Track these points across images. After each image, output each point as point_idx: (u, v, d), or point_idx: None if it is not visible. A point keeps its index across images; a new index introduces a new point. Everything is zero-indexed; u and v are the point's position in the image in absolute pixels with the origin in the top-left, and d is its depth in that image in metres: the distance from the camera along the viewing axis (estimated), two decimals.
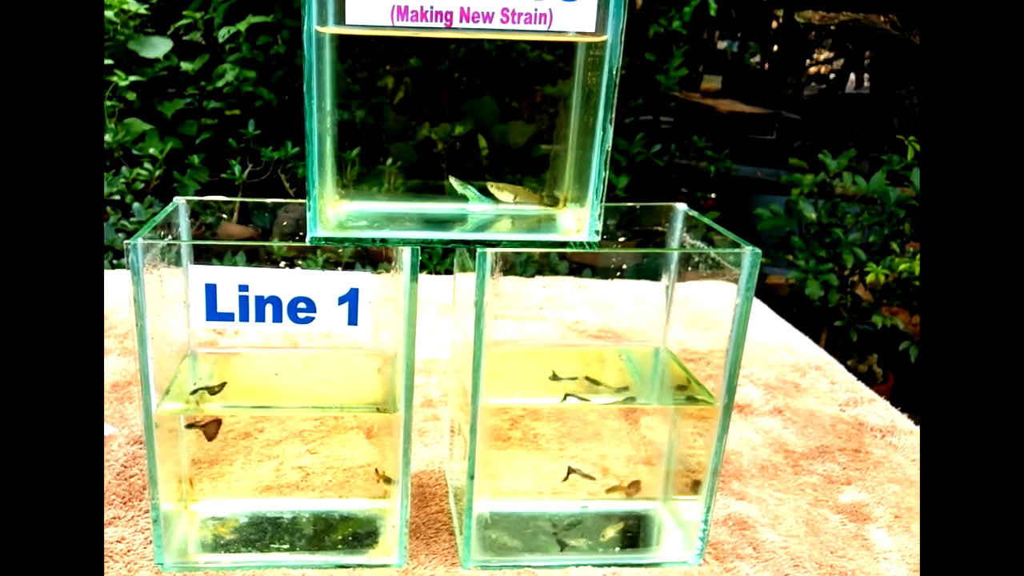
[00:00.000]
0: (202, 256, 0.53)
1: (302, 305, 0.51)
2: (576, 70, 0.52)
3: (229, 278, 0.51)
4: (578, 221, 0.53)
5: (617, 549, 0.61)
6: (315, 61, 0.48)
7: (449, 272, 1.51)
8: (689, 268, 0.60)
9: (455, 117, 0.53)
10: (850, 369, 0.98)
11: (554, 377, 0.62)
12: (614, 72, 0.48)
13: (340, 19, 0.47)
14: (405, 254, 0.51)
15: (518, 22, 0.47)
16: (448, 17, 0.46)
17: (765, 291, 1.96)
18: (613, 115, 0.49)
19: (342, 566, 0.58)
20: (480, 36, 0.48)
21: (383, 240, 0.53)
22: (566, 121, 0.54)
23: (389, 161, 0.54)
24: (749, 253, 0.53)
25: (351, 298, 0.51)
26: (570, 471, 0.62)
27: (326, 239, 0.52)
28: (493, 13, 0.46)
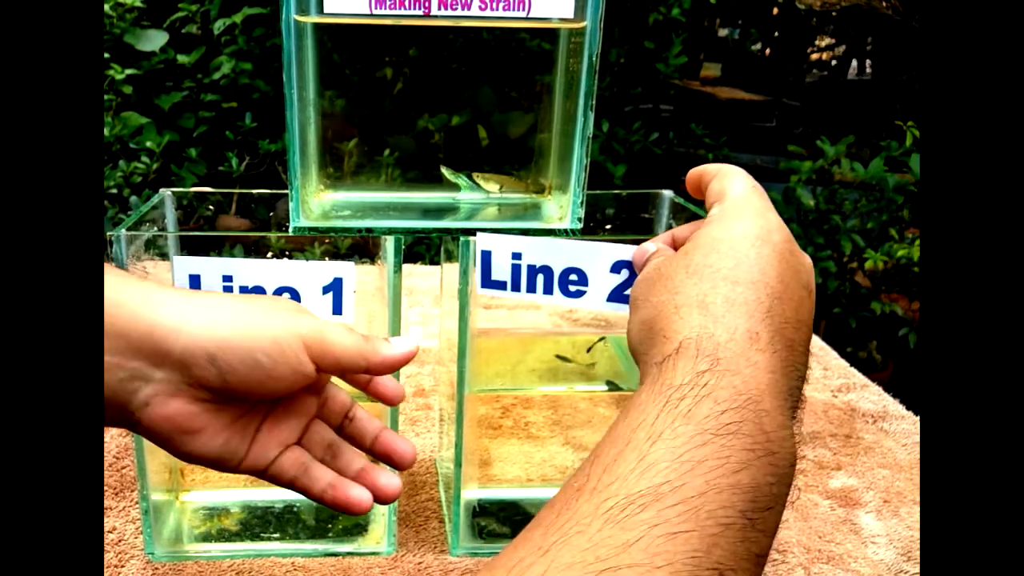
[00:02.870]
0: (189, 248, 0.53)
1: (286, 295, 0.51)
2: (558, 57, 0.52)
3: (213, 269, 0.51)
4: (560, 209, 0.53)
5: None
6: (294, 50, 0.48)
7: None
8: None
9: (452, 107, 0.53)
10: (850, 356, 0.98)
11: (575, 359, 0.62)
12: (594, 58, 0.48)
13: (319, 8, 0.47)
14: (389, 243, 0.51)
15: (497, 9, 0.47)
16: (427, 4, 0.46)
17: None
18: (594, 102, 0.49)
19: (332, 554, 0.58)
20: (459, 24, 0.48)
21: (368, 230, 0.53)
22: (550, 109, 0.53)
23: (380, 152, 0.54)
24: None
25: (335, 288, 0.52)
26: None
27: (309, 229, 0.52)
28: (472, 0, 0.46)
